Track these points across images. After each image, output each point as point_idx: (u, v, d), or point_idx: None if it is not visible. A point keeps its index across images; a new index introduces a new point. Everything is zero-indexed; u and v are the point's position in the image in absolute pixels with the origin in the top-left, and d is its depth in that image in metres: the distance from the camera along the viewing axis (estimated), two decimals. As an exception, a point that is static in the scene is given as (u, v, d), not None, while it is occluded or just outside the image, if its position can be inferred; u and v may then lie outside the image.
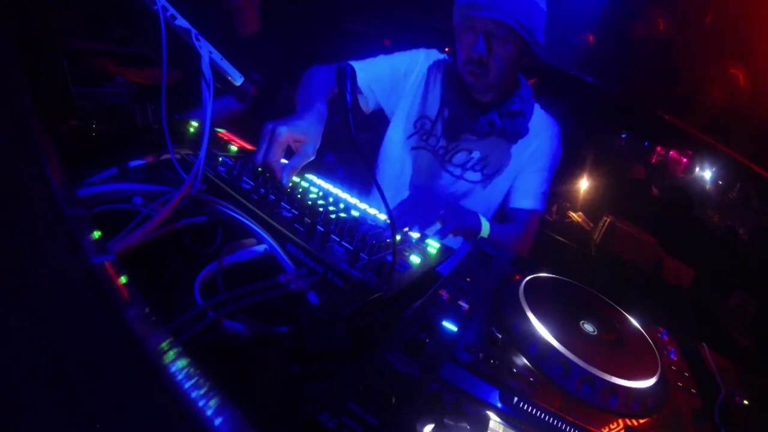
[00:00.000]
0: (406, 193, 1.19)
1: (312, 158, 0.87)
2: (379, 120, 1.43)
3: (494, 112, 1.17)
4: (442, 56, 1.32)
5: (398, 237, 0.71)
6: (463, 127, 1.21)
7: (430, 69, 1.29)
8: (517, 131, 1.19)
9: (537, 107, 1.28)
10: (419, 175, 1.31)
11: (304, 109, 0.93)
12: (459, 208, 0.99)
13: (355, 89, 0.73)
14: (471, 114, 1.18)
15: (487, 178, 1.27)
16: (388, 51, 1.34)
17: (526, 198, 1.26)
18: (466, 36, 1.08)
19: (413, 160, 1.31)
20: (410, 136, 1.31)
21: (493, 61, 1.07)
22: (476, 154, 1.26)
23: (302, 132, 0.85)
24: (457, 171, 1.28)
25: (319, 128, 0.90)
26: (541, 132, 1.26)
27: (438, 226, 0.85)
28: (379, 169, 1.39)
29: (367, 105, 1.33)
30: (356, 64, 1.26)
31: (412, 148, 1.31)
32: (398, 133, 1.33)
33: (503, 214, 1.32)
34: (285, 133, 0.81)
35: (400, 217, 0.81)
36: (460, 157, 1.27)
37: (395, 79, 1.30)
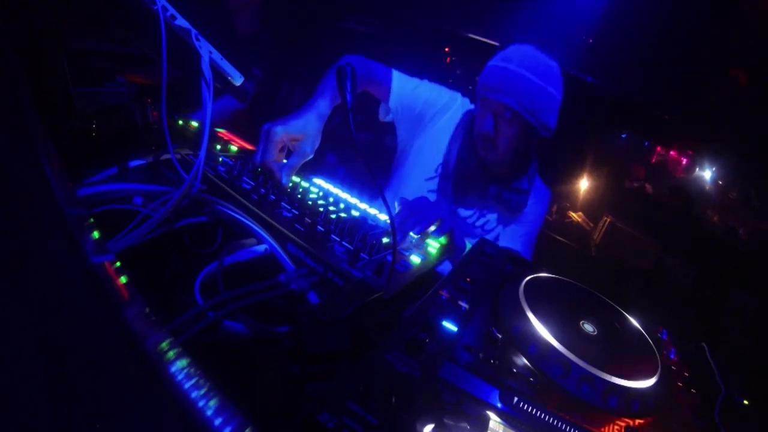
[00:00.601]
0: None
1: (310, 157, 0.87)
2: (380, 120, 1.42)
3: (503, 186, 1.23)
4: (471, 107, 1.32)
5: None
6: (473, 188, 1.25)
7: (460, 119, 1.29)
8: (518, 206, 1.25)
9: (537, 178, 1.33)
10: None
11: (305, 107, 0.93)
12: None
13: (356, 89, 0.73)
14: (482, 180, 1.23)
15: (487, 232, 1.32)
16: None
17: (513, 243, 1.29)
18: (481, 112, 1.15)
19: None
20: (429, 179, 1.31)
21: (500, 140, 1.13)
22: (478, 212, 1.30)
23: (299, 131, 0.86)
24: (461, 222, 1.31)
25: (317, 126, 0.90)
26: (537, 193, 1.32)
27: (435, 227, 0.86)
28: (395, 193, 1.37)
29: (385, 115, 1.32)
30: (398, 73, 1.25)
31: (430, 191, 1.31)
32: (416, 170, 1.32)
33: None
34: (280, 133, 0.82)
35: (401, 227, 0.81)
36: (463, 211, 1.30)
37: (428, 109, 1.29)
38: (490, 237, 1.32)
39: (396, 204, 0.93)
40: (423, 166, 1.31)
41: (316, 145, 0.89)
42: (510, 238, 1.30)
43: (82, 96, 0.95)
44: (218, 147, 0.92)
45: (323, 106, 0.94)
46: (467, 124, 1.26)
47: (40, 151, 0.30)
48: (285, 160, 0.86)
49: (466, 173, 1.24)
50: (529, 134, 1.13)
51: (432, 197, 1.30)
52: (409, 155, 1.34)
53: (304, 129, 0.87)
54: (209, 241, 0.64)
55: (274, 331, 0.50)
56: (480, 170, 1.23)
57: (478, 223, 1.31)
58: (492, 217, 1.30)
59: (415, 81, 1.28)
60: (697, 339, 0.71)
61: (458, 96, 1.33)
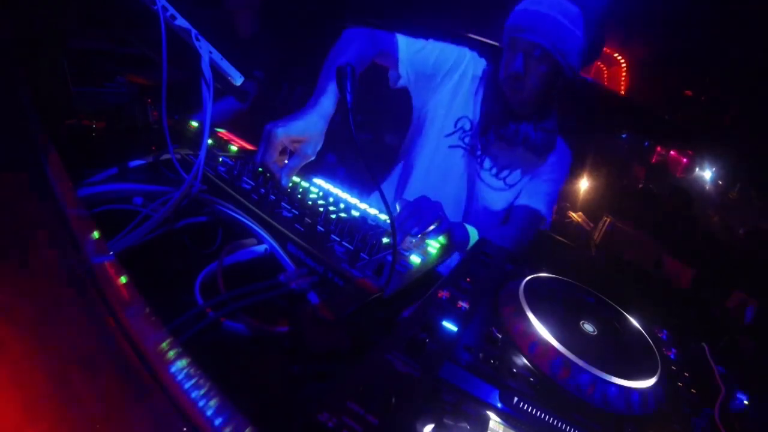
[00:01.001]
0: (435, 193, 1.19)
1: (311, 159, 0.86)
2: (380, 120, 1.42)
3: (530, 125, 1.24)
4: (484, 62, 1.33)
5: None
6: (499, 133, 1.26)
7: (474, 73, 1.31)
8: (547, 145, 1.26)
9: (560, 140, 1.35)
10: (455, 175, 1.33)
11: (307, 106, 0.91)
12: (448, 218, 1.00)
13: (356, 89, 0.72)
14: (508, 122, 1.24)
15: (509, 187, 1.33)
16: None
17: (532, 199, 1.30)
18: (508, 54, 1.16)
19: (450, 160, 1.32)
20: (449, 135, 1.32)
21: (529, 79, 1.14)
22: (502, 161, 1.31)
23: (300, 132, 0.84)
24: (485, 175, 1.32)
25: (320, 128, 0.88)
26: (560, 152, 1.34)
27: (434, 226, 0.86)
28: (410, 166, 1.38)
29: (396, 82, 1.31)
30: (403, 38, 1.25)
31: (450, 147, 1.31)
32: (434, 129, 1.33)
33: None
34: (281, 135, 0.81)
35: (400, 227, 0.81)
36: (488, 162, 1.31)
37: (438, 68, 1.29)
38: (512, 192, 1.32)
39: (397, 205, 0.93)
40: (441, 124, 1.32)
41: (318, 147, 0.88)
42: (533, 194, 1.31)
43: (82, 96, 0.95)
44: (218, 147, 0.92)
45: (327, 105, 0.91)
46: (489, 77, 1.27)
47: (40, 151, 0.30)
48: (286, 161, 0.85)
49: (492, 119, 1.25)
50: (556, 74, 1.15)
51: (453, 153, 1.31)
52: (426, 118, 1.35)
53: (306, 130, 0.85)
54: (209, 241, 0.64)
55: (274, 331, 0.50)
56: (506, 113, 1.23)
57: (501, 175, 1.31)
58: (516, 171, 1.31)
59: (421, 42, 1.28)
60: (697, 339, 0.71)
61: (466, 51, 1.33)
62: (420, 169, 1.36)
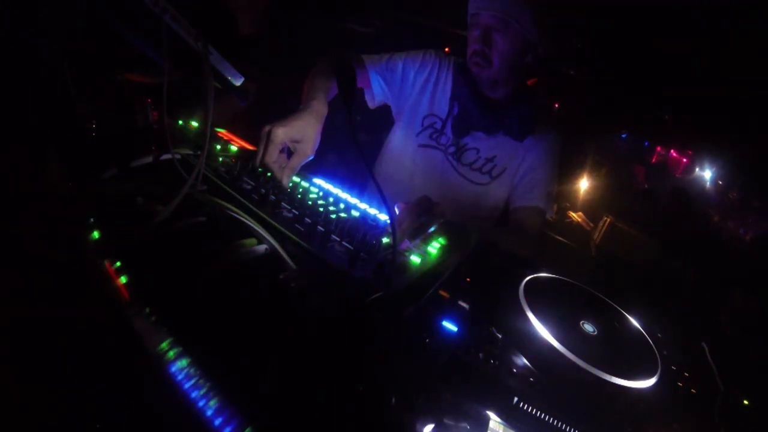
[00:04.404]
0: (410, 193, 1.19)
1: (311, 158, 0.87)
2: (380, 120, 1.42)
3: (504, 110, 1.23)
4: (451, 57, 1.33)
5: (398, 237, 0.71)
6: (473, 122, 1.25)
7: (440, 68, 1.31)
8: (524, 128, 1.24)
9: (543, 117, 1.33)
10: (428, 174, 1.31)
11: (302, 108, 0.93)
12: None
13: (356, 89, 0.73)
14: (481, 108, 1.22)
15: (494, 179, 1.29)
16: (399, 50, 1.35)
17: (529, 196, 1.27)
18: (472, 32, 1.17)
19: (422, 159, 1.31)
20: (418, 134, 1.31)
21: (494, 54, 1.15)
22: (484, 153, 1.28)
23: (299, 132, 0.86)
24: (466, 170, 1.29)
25: (317, 128, 0.90)
26: (547, 136, 1.30)
27: (434, 227, 0.85)
28: (382, 169, 1.38)
29: (373, 100, 1.32)
30: (367, 58, 1.27)
31: (420, 146, 1.30)
32: (405, 130, 1.33)
33: (506, 216, 1.33)
34: (281, 135, 0.82)
35: (401, 226, 0.81)
36: (468, 156, 1.28)
37: (406, 76, 1.31)
38: (499, 183, 1.29)
39: (395, 207, 0.93)
40: (411, 122, 1.32)
41: (317, 146, 0.89)
42: (527, 191, 1.27)
43: (82, 96, 0.95)
44: (218, 147, 0.92)
45: (319, 106, 0.94)
46: (458, 67, 1.28)
47: (41, 151, 0.30)
48: (285, 161, 0.86)
49: (463, 108, 1.25)
50: (524, 49, 1.15)
51: (426, 154, 1.30)
52: (396, 121, 1.36)
53: (305, 130, 0.87)
54: (209, 241, 0.64)
55: (274, 331, 0.50)
56: (477, 99, 1.23)
57: (486, 168, 1.29)
58: (501, 160, 1.29)
59: (385, 55, 1.31)
60: (697, 339, 0.71)
61: (431, 51, 1.35)
62: (393, 171, 1.35)
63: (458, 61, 1.31)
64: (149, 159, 0.79)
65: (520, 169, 1.29)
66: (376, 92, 1.30)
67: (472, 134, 1.27)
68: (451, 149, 1.28)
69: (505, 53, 1.14)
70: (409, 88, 1.32)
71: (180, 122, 0.95)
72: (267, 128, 0.83)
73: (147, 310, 0.31)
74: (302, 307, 0.54)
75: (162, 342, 0.28)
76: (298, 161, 0.85)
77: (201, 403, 0.25)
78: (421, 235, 0.83)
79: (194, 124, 0.95)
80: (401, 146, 1.34)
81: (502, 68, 1.17)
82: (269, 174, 0.81)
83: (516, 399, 0.43)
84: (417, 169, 1.31)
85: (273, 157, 0.81)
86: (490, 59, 1.15)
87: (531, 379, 0.48)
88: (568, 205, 3.07)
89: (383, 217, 0.84)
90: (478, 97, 1.23)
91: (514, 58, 1.16)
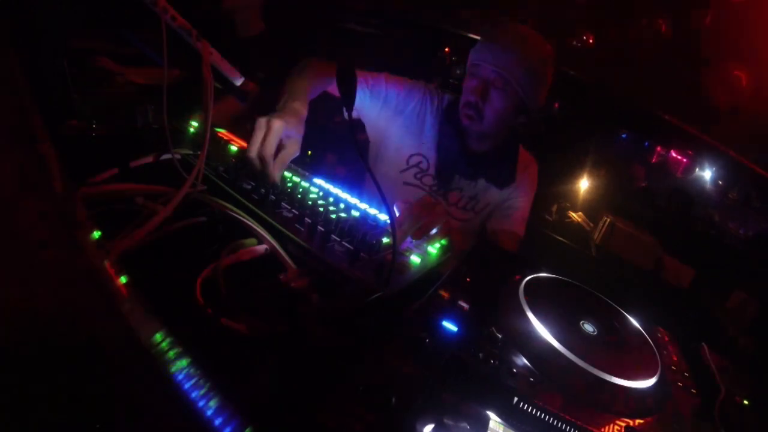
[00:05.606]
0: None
1: (297, 154, 0.86)
2: (345, 118, 1.41)
3: (490, 162, 1.27)
4: (441, 95, 1.32)
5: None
6: (459, 171, 1.27)
7: (430, 103, 1.29)
8: (505, 180, 1.29)
9: (521, 148, 1.35)
10: None
11: (285, 108, 0.91)
12: None
13: (355, 92, 0.73)
14: (467, 161, 1.25)
15: (477, 214, 1.33)
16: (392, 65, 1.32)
17: (507, 222, 1.31)
18: (470, 81, 1.16)
19: (406, 196, 1.30)
20: (403, 171, 1.29)
21: (488, 109, 1.14)
22: (467, 192, 1.31)
23: (293, 128, 0.85)
24: (452, 209, 1.31)
25: (301, 127, 0.89)
26: (525, 171, 1.34)
27: (435, 229, 0.85)
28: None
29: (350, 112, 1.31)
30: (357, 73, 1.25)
31: (405, 183, 1.29)
32: (388, 166, 1.31)
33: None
34: (282, 128, 0.81)
35: (401, 226, 0.81)
36: (452, 197, 1.31)
37: (390, 103, 1.28)
38: (482, 215, 1.33)
39: (395, 208, 0.93)
40: (395, 158, 1.30)
41: (300, 143, 0.89)
42: (504, 218, 1.31)
43: (82, 96, 0.95)
44: (218, 147, 0.92)
45: (302, 108, 0.93)
46: (446, 111, 1.27)
47: (40, 151, 0.30)
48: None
49: (449, 156, 1.25)
50: (517, 108, 1.16)
51: (409, 190, 1.30)
52: (379, 149, 1.34)
53: (297, 127, 0.86)
54: (209, 241, 0.64)
55: (274, 331, 0.50)
56: (462, 151, 1.24)
57: (468, 207, 1.32)
58: (483, 198, 1.31)
59: (375, 73, 1.28)
60: (697, 339, 0.71)
61: (422, 83, 1.33)
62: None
63: (449, 98, 1.29)
64: (149, 159, 0.79)
65: (502, 201, 1.33)
66: (359, 107, 1.26)
67: (456, 178, 1.29)
68: (435, 188, 1.29)
69: (499, 111, 1.14)
70: (390, 110, 1.28)
71: (180, 122, 0.95)
72: (264, 119, 0.81)
73: (147, 310, 0.31)
74: (302, 307, 0.54)
75: (162, 342, 0.28)
76: (288, 156, 0.83)
77: (201, 403, 0.25)
78: (425, 236, 0.83)
79: (194, 124, 0.95)
80: (383, 179, 1.30)
81: (493, 125, 1.17)
82: (252, 168, 0.79)
83: (516, 399, 0.43)
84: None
85: (273, 147, 0.80)
86: (482, 114, 1.15)
87: (531, 379, 0.48)
88: (568, 205, 3.07)
89: (383, 217, 0.84)
90: (465, 150, 1.25)
91: (506, 117, 1.17)
